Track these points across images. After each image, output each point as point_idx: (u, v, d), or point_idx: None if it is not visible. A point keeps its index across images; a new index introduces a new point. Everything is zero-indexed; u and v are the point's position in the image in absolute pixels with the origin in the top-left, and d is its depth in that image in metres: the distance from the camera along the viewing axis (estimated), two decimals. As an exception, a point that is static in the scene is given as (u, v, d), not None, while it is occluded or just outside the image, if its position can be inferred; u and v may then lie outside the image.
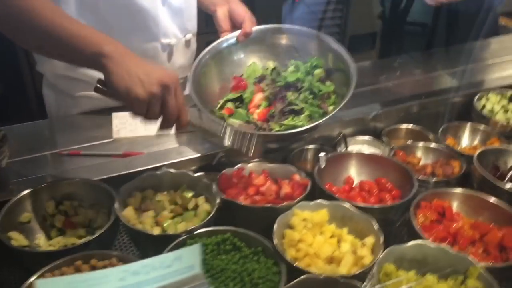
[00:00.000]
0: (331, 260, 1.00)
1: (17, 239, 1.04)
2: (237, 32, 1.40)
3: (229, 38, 1.40)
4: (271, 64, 1.42)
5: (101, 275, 0.41)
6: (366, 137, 1.41)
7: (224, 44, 1.41)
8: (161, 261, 0.44)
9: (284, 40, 1.45)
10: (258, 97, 1.32)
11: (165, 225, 1.08)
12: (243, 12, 1.40)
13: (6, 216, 1.04)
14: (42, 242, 1.09)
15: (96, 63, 1.00)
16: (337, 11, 3.50)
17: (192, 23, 1.51)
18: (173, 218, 1.10)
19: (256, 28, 1.42)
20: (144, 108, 0.99)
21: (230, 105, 1.33)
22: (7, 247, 0.98)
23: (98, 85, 1.02)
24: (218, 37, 1.42)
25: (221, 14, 1.39)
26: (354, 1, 3.37)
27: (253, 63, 1.43)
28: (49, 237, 1.10)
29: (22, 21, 1.04)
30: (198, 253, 0.47)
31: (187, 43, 1.50)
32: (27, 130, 1.44)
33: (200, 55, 1.38)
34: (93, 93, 1.39)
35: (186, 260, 0.45)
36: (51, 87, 1.58)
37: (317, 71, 1.36)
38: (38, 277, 0.88)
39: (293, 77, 1.34)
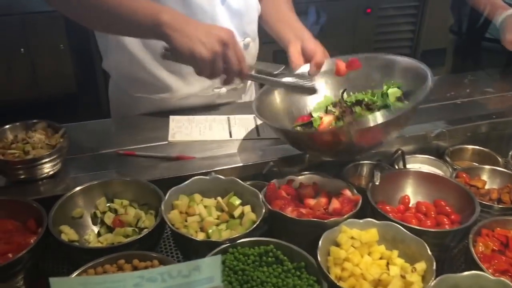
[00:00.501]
0: (377, 283, 0.94)
1: (68, 233, 1.07)
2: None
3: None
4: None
5: (116, 279, 0.40)
6: (427, 156, 1.34)
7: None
8: (179, 269, 0.43)
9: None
10: (327, 119, 1.25)
11: (209, 231, 1.06)
12: (315, 47, 1.32)
13: (59, 210, 1.07)
14: (91, 238, 1.11)
15: (158, 32, 1.10)
16: (410, 24, 3.39)
17: (252, 28, 1.50)
18: (218, 224, 1.09)
19: (328, 60, 1.34)
20: (209, 67, 1.09)
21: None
22: (57, 240, 1.01)
23: (165, 50, 1.14)
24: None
25: (295, 51, 1.32)
26: (427, 15, 3.26)
27: (324, 96, 1.35)
28: (98, 234, 1.12)
29: (88, 4, 1.15)
30: (219, 265, 0.45)
31: (245, 47, 1.49)
32: (90, 128, 1.50)
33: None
34: (152, 95, 1.43)
35: (206, 271, 0.43)
36: (115, 86, 1.63)
37: (392, 91, 1.25)
38: (80, 273, 0.89)
39: (363, 96, 1.28)
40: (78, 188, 1.13)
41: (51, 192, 1.15)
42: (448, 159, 1.34)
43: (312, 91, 1.24)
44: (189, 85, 1.51)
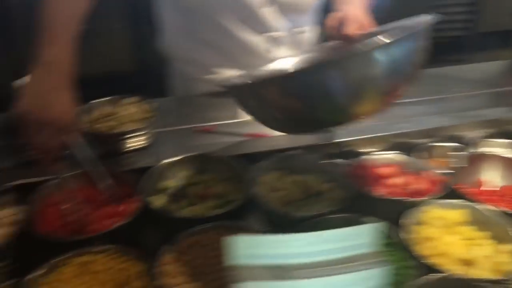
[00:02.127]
0: (463, 262, 0.97)
1: (159, 204, 1.13)
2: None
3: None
4: None
5: (287, 238, 0.44)
6: (506, 141, 1.33)
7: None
8: (340, 234, 0.47)
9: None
10: None
11: (293, 206, 1.11)
12: (354, 16, 1.19)
13: (149, 180, 1.14)
14: (180, 208, 1.17)
15: None
16: (466, 5, 3.31)
17: (306, 18, 1.51)
18: (301, 200, 1.13)
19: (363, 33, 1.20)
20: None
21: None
22: (151, 210, 1.07)
23: None
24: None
25: (333, 16, 1.22)
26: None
27: None
28: (186, 205, 1.18)
29: None
30: (376, 231, 0.48)
31: (299, 36, 1.51)
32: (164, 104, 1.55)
33: None
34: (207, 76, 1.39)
35: (364, 237, 0.47)
36: (172, 65, 1.68)
37: None
38: (173, 243, 0.96)
39: None
40: (167, 161, 1.18)
41: (142, 164, 1.21)
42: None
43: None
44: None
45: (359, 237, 0.47)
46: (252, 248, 0.42)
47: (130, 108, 1.30)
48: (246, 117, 1.42)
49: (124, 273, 0.91)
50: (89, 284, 0.90)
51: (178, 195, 1.19)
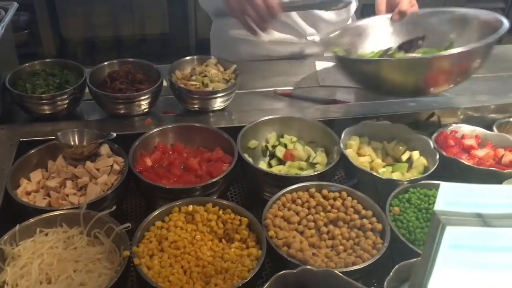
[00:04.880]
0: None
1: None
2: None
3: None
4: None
5: (494, 188, 0.47)
6: None
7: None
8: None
9: (438, 25, 1.36)
10: None
11: (379, 171, 1.14)
12: None
13: (240, 140, 1.16)
14: (264, 167, 1.20)
15: None
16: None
17: None
18: (384, 167, 1.16)
19: (415, 11, 1.38)
20: (239, 11, 1.19)
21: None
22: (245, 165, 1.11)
23: None
24: None
25: None
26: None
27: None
28: (269, 165, 1.21)
29: None
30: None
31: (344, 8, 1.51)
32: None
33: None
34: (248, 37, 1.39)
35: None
36: (216, 26, 1.68)
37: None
38: (279, 196, 1.00)
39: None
40: (250, 124, 1.20)
41: (228, 124, 1.24)
42: None
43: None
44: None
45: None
46: (459, 195, 0.45)
47: (215, 69, 1.32)
48: (326, 83, 1.46)
49: (230, 224, 0.96)
50: (198, 232, 0.94)
51: (262, 155, 1.23)
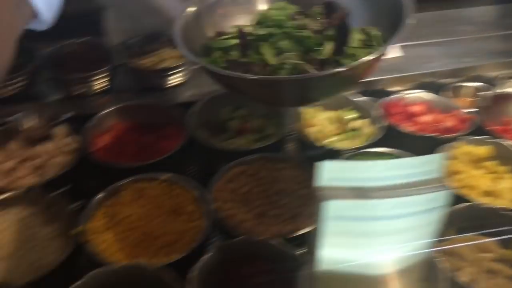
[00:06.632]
0: (488, 194, 1.05)
1: (200, 137, 1.20)
2: None
3: None
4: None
5: (370, 164, 0.52)
6: (530, 80, 1.39)
7: None
8: (410, 162, 0.54)
9: None
10: None
11: (328, 140, 1.18)
12: None
13: (191, 115, 1.20)
14: (219, 142, 1.23)
15: None
16: None
17: None
18: (336, 135, 1.20)
19: None
20: None
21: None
22: (197, 143, 1.14)
23: None
24: None
25: None
26: None
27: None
28: (226, 139, 1.25)
29: None
30: (441, 160, 0.56)
31: None
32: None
33: None
34: None
35: (430, 165, 0.54)
36: None
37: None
38: (227, 170, 1.04)
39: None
40: (206, 98, 1.24)
41: (183, 99, 1.27)
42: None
43: None
44: None
45: (428, 164, 0.54)
46: (337, 172, 0.49)
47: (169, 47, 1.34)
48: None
49: (178, 199, 1.00)
50: (147, 208, 0.98)
51: (219, 129, 1.26)
